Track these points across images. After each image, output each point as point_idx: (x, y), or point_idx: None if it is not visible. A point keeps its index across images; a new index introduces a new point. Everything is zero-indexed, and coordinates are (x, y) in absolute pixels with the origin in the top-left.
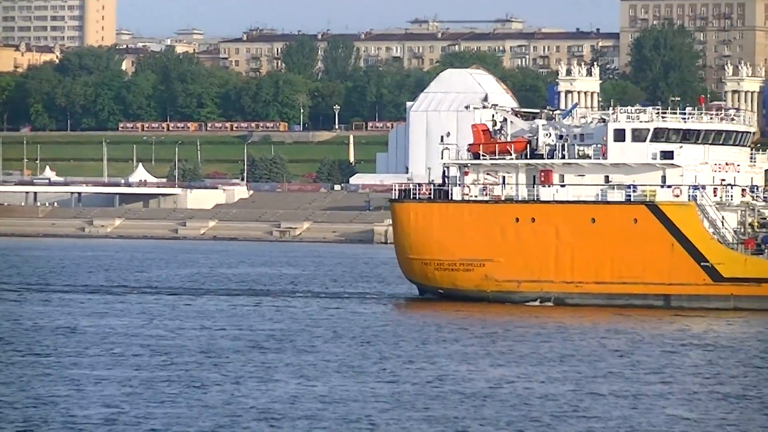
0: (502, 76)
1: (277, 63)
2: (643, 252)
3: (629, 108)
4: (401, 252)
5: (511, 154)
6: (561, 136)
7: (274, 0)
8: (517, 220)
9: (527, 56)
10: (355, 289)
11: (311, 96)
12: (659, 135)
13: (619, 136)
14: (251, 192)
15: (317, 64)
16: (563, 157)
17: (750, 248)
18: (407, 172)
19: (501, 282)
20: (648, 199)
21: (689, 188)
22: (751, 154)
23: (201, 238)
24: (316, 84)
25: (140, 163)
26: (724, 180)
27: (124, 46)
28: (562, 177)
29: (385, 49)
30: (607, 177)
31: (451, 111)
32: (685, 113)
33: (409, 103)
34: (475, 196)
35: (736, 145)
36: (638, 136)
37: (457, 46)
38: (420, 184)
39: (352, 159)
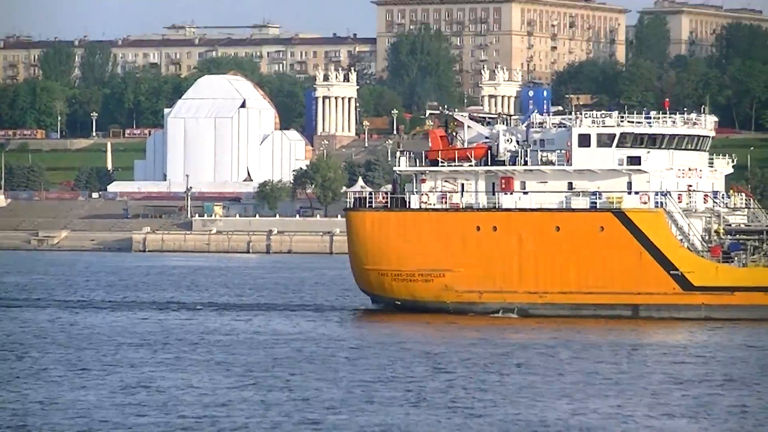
0: (259, 81)
1: (34, 70)
2: (610, 260)
3: (594, 112)
4: (356, 262)
5: (470, 161)
6: (519, 142)
7: (30, 7)
8: (479, 228)
9: (285, 62)
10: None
11: (69, 103)
12: (625, 140)
13: (584, 141)
14: (9, 200)
15: (74, 71)
16: (525, 163)
17: (716, 256)
18: (165, 179)
19: (461, 293)
20: (615, 206)
21: (656, 194)
22: (710, 159)
23: None
24: (73, 91)
25: None
26: (690, 186)
27: None
28: (523, 184)
29: (143, 56)
30: (570, 184)
31: (209, 117)
32: (650, 117)
33: (167, 110)
34: (434, 204)
35: (698, 150)
36: (604, 141)
37: (214, 52)
38: (375, 192)
39: (110, 166)
